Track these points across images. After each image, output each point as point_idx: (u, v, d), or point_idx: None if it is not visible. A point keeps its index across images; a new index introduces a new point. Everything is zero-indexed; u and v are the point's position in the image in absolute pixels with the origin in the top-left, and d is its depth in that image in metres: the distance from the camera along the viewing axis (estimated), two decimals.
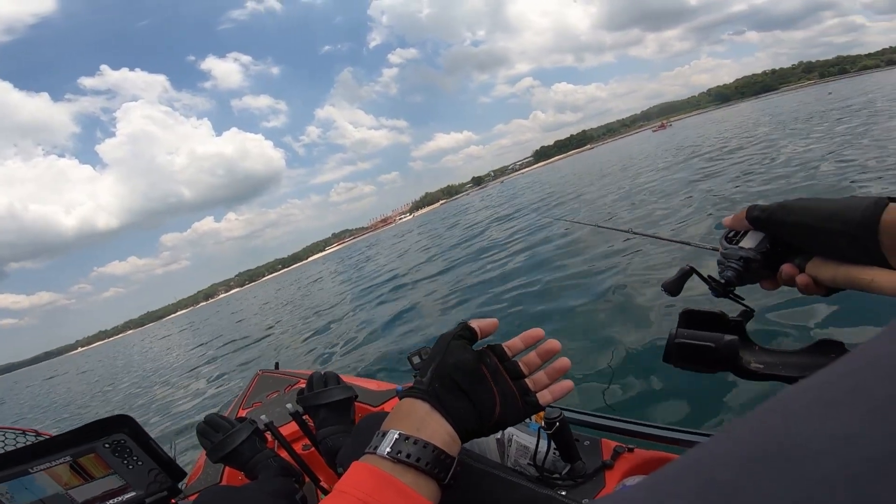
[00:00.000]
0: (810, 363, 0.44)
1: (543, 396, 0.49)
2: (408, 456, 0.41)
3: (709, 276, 0.52)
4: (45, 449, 0.96)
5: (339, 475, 0.99)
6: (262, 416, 1.11)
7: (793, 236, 0.43)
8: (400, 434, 0.42)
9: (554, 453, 0.97)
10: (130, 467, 1.00)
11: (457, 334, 0.50)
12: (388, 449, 0.41)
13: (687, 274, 0.54)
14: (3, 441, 1.13)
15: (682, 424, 1.02)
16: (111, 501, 0.98)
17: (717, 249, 0.52)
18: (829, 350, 0.44)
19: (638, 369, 2.35)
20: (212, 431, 1.05)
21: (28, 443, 1.14)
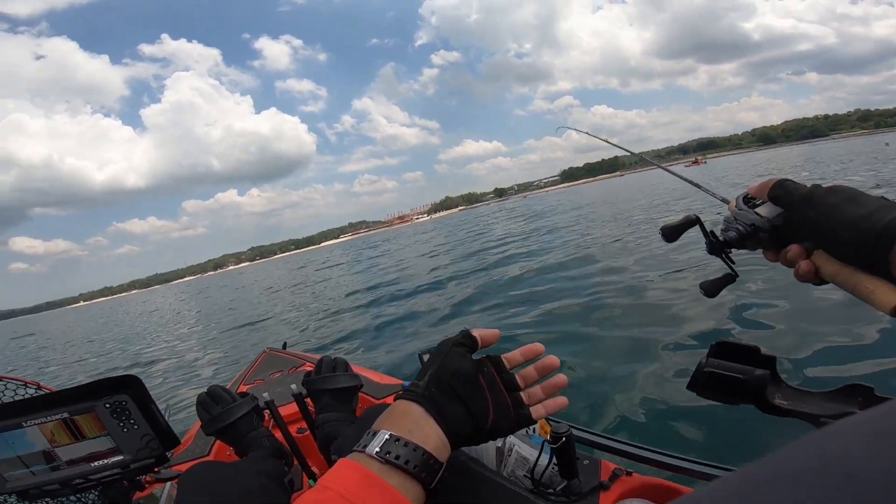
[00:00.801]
0: (837, 405, 0.44)
1: (537, 410, 0.50)
2: (396, 458, 0.40)
3: (710, 231, 0.52)
4: (44, 403, 0.93)
5: (332, 462, 0.97)
6: (265, 394, 1.10)
7: (807, 225, 0.43)
8: (391, 435, 0.42)
9: (553, 468, 0.96)
10: (125, 430, 0.96)
11: (457, 341, 0.50)
12: (377, 449, 0.41)
13: (691, 223, 0.53)
14: (4, 390, 1.10)
15: (687, 453, 1.00)
16: (96, 463, 0.95)
17: (726, 201, 0.53)
18: (858, 394, 0.44)
19: (649, 390, 2.31)
20: (212, 403, 1.04)
21: (28, 395, 1.12)
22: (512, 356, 0.52)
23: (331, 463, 0.95)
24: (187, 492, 0.74)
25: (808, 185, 0.45)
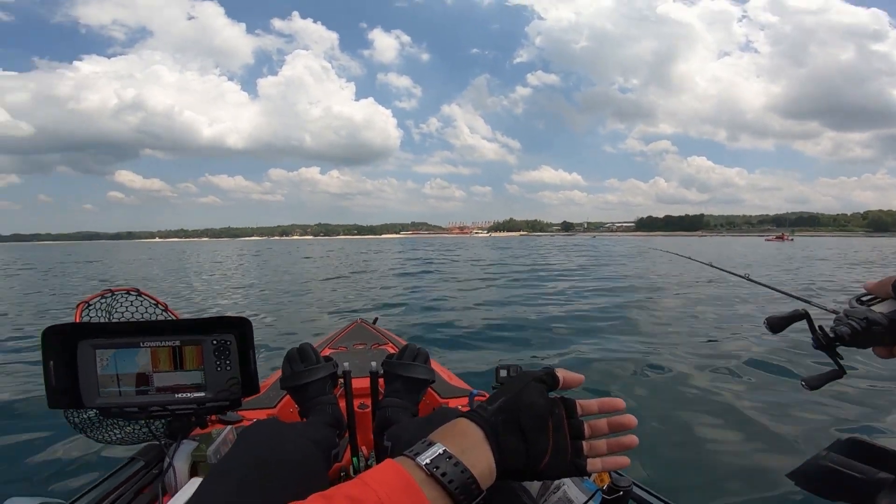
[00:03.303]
0: None
1: (594, 464, 0.49)
2: (443, 474, 0.41)
3: (819, 327, 0.51)
4: (166, 328, 0.99)
5: (381, 445, 0.95)
6: (345, 364, 1.12)
7: None
8: (444, 450, 0.42)
9: None
10: (218, 370, 1.00)
11: (539, 377, 0.51)
12: (427, 460, 0.41)
13: (799, 317, 0.53)
14: (137, 306, 1.18)
15: None
16: (179, 395, 0.99)
17: (836, 312, 0.52)
18: None
19: (734, 469, 2.15)
20: (298, 360, 1.07)
21: (157, 315, 1.20)
22: (588, 404, 0.51)
23: (379, 445, 1.00)
24: (241, 445, 0.76)
25: None
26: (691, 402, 3.06)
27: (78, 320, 1.02)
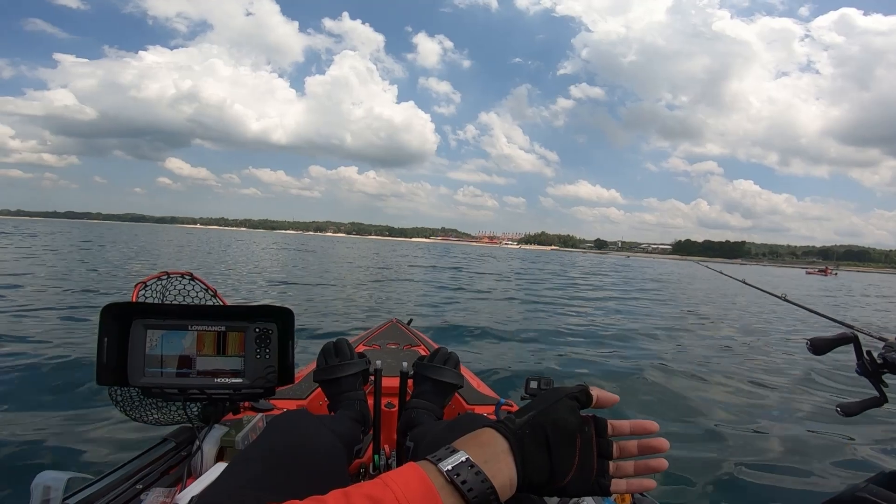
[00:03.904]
0: None
1: (618, 485, 0.49)
2: (463, 482, 0.41)
3: (867, 352, 0.50)
4: (215, 312, 1.03)
5: (403, 445, 0.96)
6: (378, 362, 1.13)
7: None
8: (467, 458, 0.43)
9: None
10: (258, 357, 1.02)
11: (572, 394, 0.50)
12: (449, 467, 0.42)
13: (846, 339, 0.51)
14: (189, 290, 1.23)
15: None
16: (219, 380, 1.01)
17: (884, 340, 0.51)
18: None
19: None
20: (332, 354, 1.10)
21: (207, 300, 1.25)
22: (620, 425, 0.51)
23: (402, 445, 1.01)
24: (269, 434, 0.77)
25: None
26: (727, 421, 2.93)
27: (135, 300, 1.07)
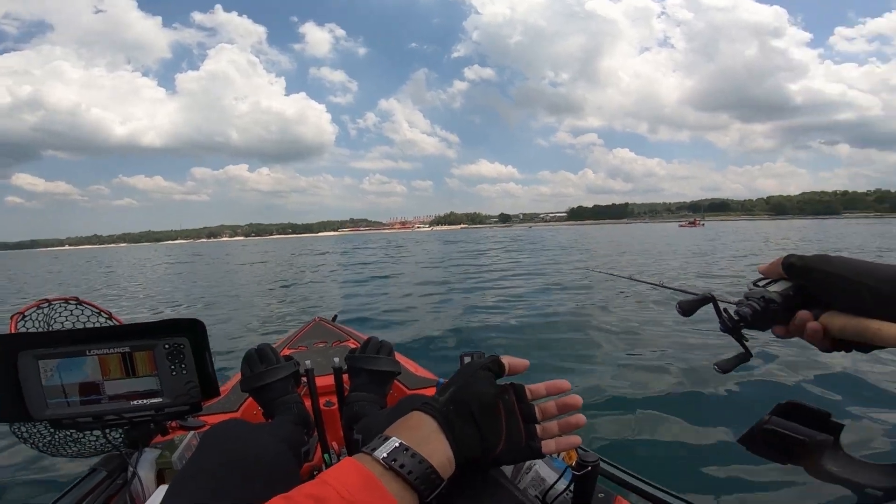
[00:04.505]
0: (886, 479, 0.44)
1: (548, 445, 0.51)
2: (401, 466, 0.42)
3: (724, 309, 0.54)
4: (113, 334, 0.96)
5: (351, 440, 0.98)
6: (307, 362, 1.12)
7: (822, 286, 0.46)
8: (400, 443, 0.43)
9: (567, 494, 0.95)
10: (174, 374, 0.97)
11: (485, 365, 0.52)
12: (384, 454, 0.42)
13: (706, 300, 0.55)
14: (78, 315, 1.12)
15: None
16: (134, 402, 0.95)
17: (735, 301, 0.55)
18: None
19: (681, 432, 2.34)
20: (257, 361, 1.05)
21: (100, 324, 1.14)
22: (536, 388, 0.53)
23: (350, 440, 0.99)
24: (207, 447, 0.74)
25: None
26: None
27: (14, 331, 0.97)
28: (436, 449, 0.44)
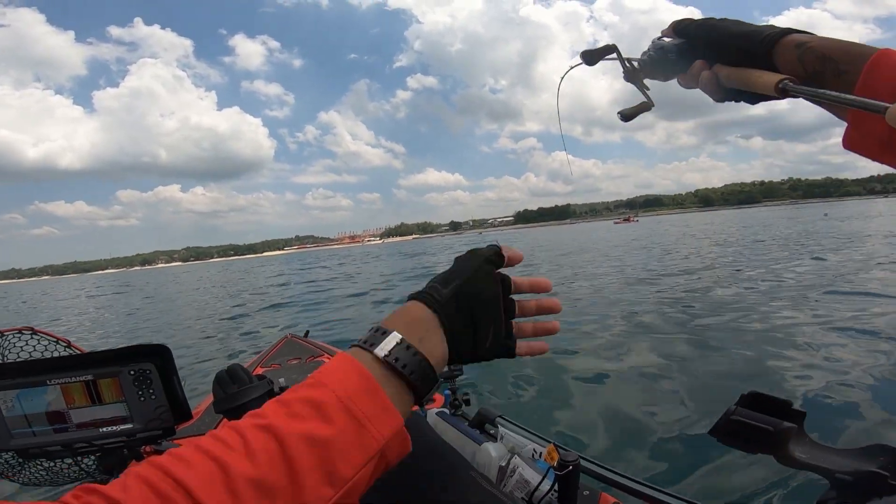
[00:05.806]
0: (856, 462, 0.45)
1: (520, 348, 0.48)
2: (403, 366, 0.39)
3: (627, 59, 0.56)
4: (74, 363, 0.94)
5: None
6: (281, 380, 1.11)
7: (707, 44, 0.50)
8: (402, 339, 0.40)
9: (553, 494, 0.99)
10: (142, 399, 0.96)
11: (488, 257, 0.47)
12: (385, 352, 0.39)
13: (609, 49, 0.57)
14: (35, 345, 1.07)
15: (694, 496, 0.98)
16: (104, 429, 0.94)
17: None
18: (879, 454, 0.45)
19: (658, 429, 2.39)
20: (229, 382, 1.02)
21: (59, 353, 1.10)
22: (520, 282, 0.48)
23: None
24: None
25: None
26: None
27: None
28: (435, 346, 0.42)
